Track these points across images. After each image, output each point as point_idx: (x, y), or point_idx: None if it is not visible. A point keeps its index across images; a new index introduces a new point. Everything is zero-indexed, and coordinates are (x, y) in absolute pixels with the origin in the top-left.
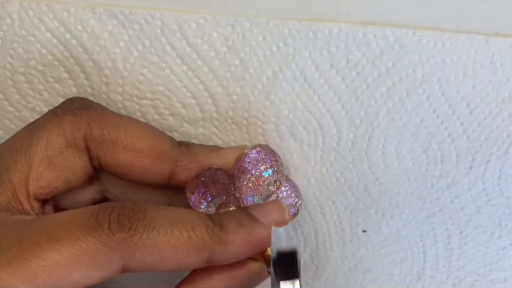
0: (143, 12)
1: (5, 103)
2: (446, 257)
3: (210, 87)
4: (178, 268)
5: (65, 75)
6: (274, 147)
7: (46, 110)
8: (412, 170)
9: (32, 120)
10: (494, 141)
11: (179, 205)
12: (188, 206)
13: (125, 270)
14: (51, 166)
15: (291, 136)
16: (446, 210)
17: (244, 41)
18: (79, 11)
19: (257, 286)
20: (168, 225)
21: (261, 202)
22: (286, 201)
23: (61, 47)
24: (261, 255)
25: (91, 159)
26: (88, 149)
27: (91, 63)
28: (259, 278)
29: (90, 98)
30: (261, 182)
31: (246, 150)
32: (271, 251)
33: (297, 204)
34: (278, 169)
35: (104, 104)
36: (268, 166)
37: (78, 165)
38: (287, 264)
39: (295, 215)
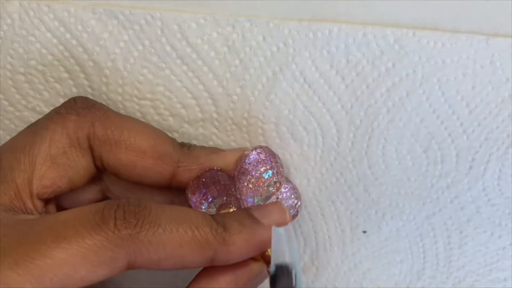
0: (143, 12)
1: (5, 103)
2: (446, 257)
3: (210, 88)
4: (182, 266)
5: (65, 75)
6: (274, 147)
7: (46, 110)
8: (412, 170)
9: (32, 120)
10: (494, 141)
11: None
12: (189, 207)
13: (130, 267)
14: (55, 165)
15: (291, 136)
16: (446, 210)
17: (244, 41)
18: (79, 11)
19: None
20: (173, 223)
21: (261, 203)
22: (285, 202)
23: (61, 47)
24: (261, 256)
25: (94, 158)
26: (91, 148)
27: (91, 63)
28: (260, 279)
29: (90, 98)
30: (261, 183)
31: (246, 152)
32: (270, 265)
33: (297, 206)
34: (278, 171)
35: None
36: (268, 167)
37: (81, 165)
38: (284, 283)
39: (294, 216)
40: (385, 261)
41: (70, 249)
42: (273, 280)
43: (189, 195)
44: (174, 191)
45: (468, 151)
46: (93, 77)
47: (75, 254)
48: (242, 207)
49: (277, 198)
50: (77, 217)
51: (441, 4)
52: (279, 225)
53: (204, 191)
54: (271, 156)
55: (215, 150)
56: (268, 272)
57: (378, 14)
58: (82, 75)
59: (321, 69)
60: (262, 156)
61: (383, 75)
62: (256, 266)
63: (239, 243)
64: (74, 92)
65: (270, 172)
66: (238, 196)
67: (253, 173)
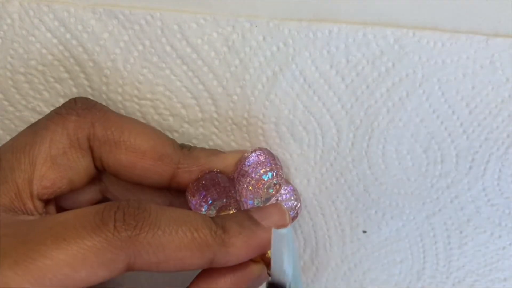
0: (143, 12)
1: (5, 103)
2: (446, 257)
3: (210, 87)
4: (181, 268)
5: (65, 75)
6: (274, 147)
7: (46, 110)
8: (412, 170)
9: (32, 120)
10: (494, 141)
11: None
12: (188, 209)
13: (129, 268)
14: (55, 166)
15: (291, 136)
16: (446, 210)
17: (244, 42)
18: (80, 11)
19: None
20: (173, 225)
21: (261, 205)
22: (285, 204)
23: (61, 47)
24: (261, 257)
25: (94, 159)
26: (91, 149)
27: (91, 63)
28: (260, 280)
29: (90, 98)
30: (261, 185)
31: (246, 154)
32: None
33: (296, 207)
34: (278, 172)
35: (103, 104)
36: (268, 169)
37: (81, 165)
38: None
39: (294, 218)
40: (385, 261)
41: (70, 250)
42: None
43: (189, 197)
44: (174, 192)
45: (468, 151)
46: (93, 77)
47: (75, 255)
48: (242, 209)
49: (277, 199)
50: (77, 218)
51: (441, 4)
52: (278, 226)
53: (204, 193)
54: (271, 158)
55: (215, 152)
56: (268, 274)
57: (378, 14)
58: (82, 75)
59: (321, 69)
60: (262, 158)
61: (383, 75)
62: (256, 268)
63: (238, 245)
64: (74, 92)
65: (269, 174)
66: (238, 198)
67: (252, 175)
